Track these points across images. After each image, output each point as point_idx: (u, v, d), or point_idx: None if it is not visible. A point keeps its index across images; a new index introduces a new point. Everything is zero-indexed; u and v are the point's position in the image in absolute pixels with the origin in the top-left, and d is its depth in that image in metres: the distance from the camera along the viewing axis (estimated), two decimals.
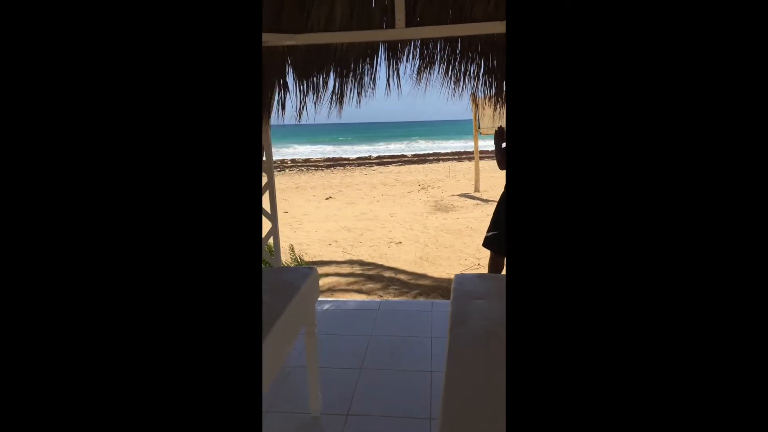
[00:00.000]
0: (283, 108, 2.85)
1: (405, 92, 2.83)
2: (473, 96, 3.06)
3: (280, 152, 22.15)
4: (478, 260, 4.97)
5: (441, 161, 17.44)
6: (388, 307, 3.09)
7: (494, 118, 3.01)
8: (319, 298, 2.49)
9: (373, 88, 2.85)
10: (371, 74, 2.80)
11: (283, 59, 2.76)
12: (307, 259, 5.06)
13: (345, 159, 18.98)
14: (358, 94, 2.84)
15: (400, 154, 21.55)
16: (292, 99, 2.85)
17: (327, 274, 4.54)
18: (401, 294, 4.03)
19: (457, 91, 2.77)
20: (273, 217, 3.02)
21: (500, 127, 2.81)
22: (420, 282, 4.35)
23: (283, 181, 12.25)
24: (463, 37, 2.64)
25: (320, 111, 2.86)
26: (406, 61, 2.75)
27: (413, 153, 21.73)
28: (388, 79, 2.78)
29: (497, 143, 2.84)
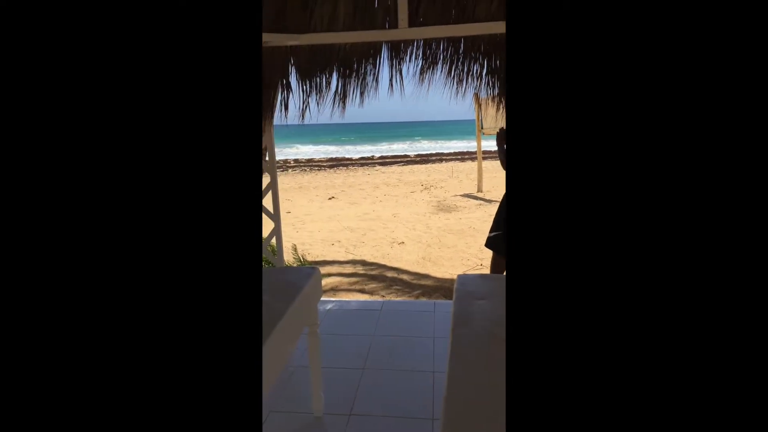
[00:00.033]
0: (286, 108, 2.86)
1: (408, 92, 2.83)
2: (476, 96, 3.06)
3: (283, 152, 22.18)
4: (481, 261, 4.97)
5: (444, 161, 17.43)
6: (391, 307, 3.09)
7: (497, 118, 3.01)
8: (322, 298, 2.50)
9: (376, 88, 2.85)
10: (374, 74, 2.81)
11: (286, 59, 2.77)
12: (309, 259, 5.07)
13: (348, 159, 18.99)
14: (361, 94, 2.84)
15: (402, 154, 21.55)
16: (295, 99, 2.85)
17: (330, 274, 4.54)
18: (404, 294, 4.03)
19: (459, 91, 2.77)
20: (276, 217, 3.02)
21: (501, 129, 2.81)
22: (422, 282, 4.35)
23: (286, 181, 12.26)
24: (465, 37, 2.64)
25: (323, 111, 2.87)
26: (409, 61, 2.75)
27: (416, 153, 21.73)
28: (390, 79, 2.79)
29: (499, 145, 2.83)
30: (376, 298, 3.89)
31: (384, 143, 29.88)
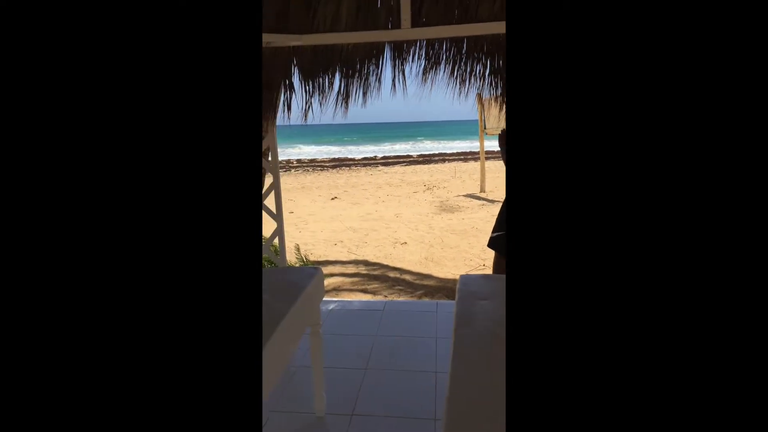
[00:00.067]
0: (289, 108, 2.87)
1: (410, 92, 2.83)
2: (479, 96, 3.06)
3: (285, 152, 22.21)
4: (484, 261, 4.96)
5: (446, 161, 17.42)
6: (393, 307, 3.09)
7: (500, 118, 3.01)
8: (324, 298, 2.50)
9: (379, 89, 2.85)
10: (377, 74, 2.81)
11: (288, 60, 2.77)
12: (312, 258, 5.07)
13: (350, 159, 19.00)
14: (364, 94, 2.84)
15: (405, 154, 21.54)
16: (297, 99, 2.86)
17: (332, 274, 4.55)
18: (406, 294, 4.03)
19: (462, 91, 2.77)
20: (278, 217, 3.03)
21: (504, 130, 2.81)
22: (425, 282, 4.35)
23: (288, 182, 12.28)
24: (468, 38, 2.64)
25: (326, 111, 2.87)
26: (412, 61, 2.75)
27: (419, 153, 21.72)
28: (393, 80, 2.78)
29: (502, 146, 2.83)
30: (379, 298, 3.89)
31: (387, 143, 29.88)
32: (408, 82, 2.79)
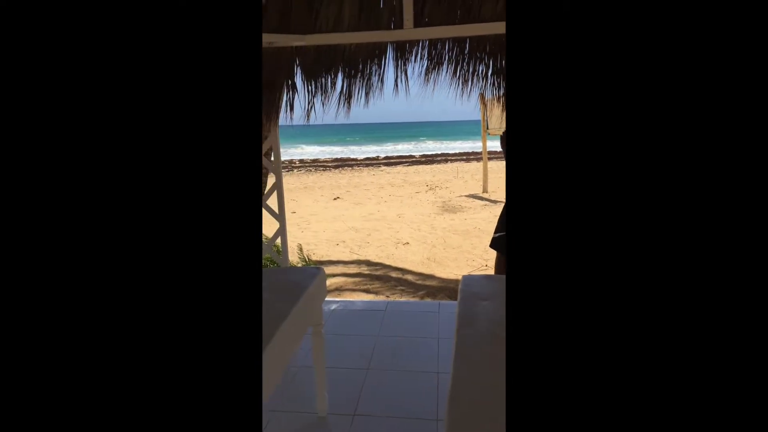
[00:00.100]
0: (292, 108, 2.87)
1: (413, 93, 2.83)
2: (481, 96, 3.06)
3: (288, 152, 22.23)
4: (486, 261, 4.96)
5: (449, 162, 17.42)
6: (395, 307, 3.09)
7: (502, 118, 3.00)
8: (327, 298, 2.50)
9: (381, 89, 2.85)
10: (379, 75, 2.81)
11: (291, 60, 2.77)
12: (314, 258, 5.08)
13: (353, 159, 19.01)
14: (366, 94, 2.84)
15: (408, 154, 21.54)
16: (300, 99, 2.86)
17: (334, 274, 4.55)
18: (408, 294, 4.03)
19: (465, 91, 2.77)
20: (281, 217, 3.03)
21: (505, 132, 2.81)
22: (427, 283, 4.35)
23: (291, 182, 12.29)
24: (471, 38, 2.64)
25: (328, 111, 2.87)
26: (414, 61, 2.75)
27: (421, 153, 21.73)
28: (396, 80, 2.78)
29: (504, 147, 2.83)
30: (381, 298, 3.89)
31: (389, 144, 29.89)
32: (410, 82, 2.79)
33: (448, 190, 10.40)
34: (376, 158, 19.38)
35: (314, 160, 19.19)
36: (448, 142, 29.31)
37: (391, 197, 9.78)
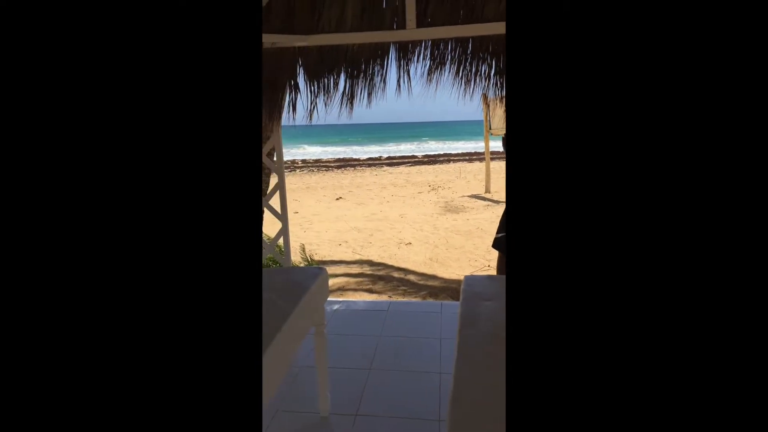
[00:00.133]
0: (294, 109, 2.87)
1: (415, 93, 2.83)
2: (484, 96, 3.05)
3: (290, 153, 22.26)
4: (488, 261, 4.95)
5: (451, 162, 17.41)
6: (398, 307, 3.08)
7: (505, 118, 2.99)
8: (329, 298, 2.50)
9: (384, 89, 2.85)
10: (382, 75, 2.81)
11: (294, 60, 2.78)
12: (317, 258, 5.08)
13: (355, 159, 19.02)
14: (369, 94, 2.84)
15: (410, 154, 21.54)
16: (303, 100, 2.86)
17: (337, 275, 4.55)
18: (410, 295, 4.03)
19: (467, 91, 2.76)
20: (283, 217, 3.03)
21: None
22: (429, 283, 4.34)
23: (293, 182, 12.30)
24: (474, 38, 2.63)
25: (331, 112, 2.87)
26: (417, 61, 2.75)
27: (423, 154, 21.72)
28: (398, 80, 2.78)
29: (506, 147, 2.82)
30: (383, 298, 3.89)
31: (391, 144, 29.89)
32: (413, 82, 2.79)
33: (450, 191, 10.39)
34: (379, 158, 19.38)
35: (317, 161, 19.21)
36: (450, 142, 29.29)
37: (393, 197, 9.78)
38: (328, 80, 2.83)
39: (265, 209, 3.00)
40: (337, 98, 2.85)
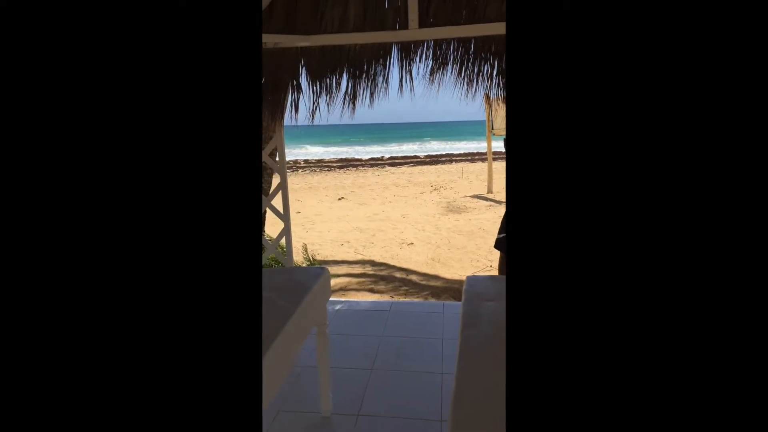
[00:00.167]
0: (297, 109, 2.87)
1: (418, 93, 2.83)
2: (486, 96, 3.05)
3: (293, 153, 22.28)
4: (491, 262, 4.95)
5: (454, 162, 17.39)
6: (400, 308, 3.08)
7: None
8: (331, 298, 2.50)
9: (386, 89, 2.85)
10: (384, 75, 2.81)
11: (296, 60, 2.78)
12: (319, 258, 5.09)
13: (357, 160, 19.02)
14: (371, 94, 2.84)
15: (412, 155, 21.52)
16: (305, 100, 2.86)
17: (339, 275, 4.55)
18: (413, 295, 4.03)
19: (470, 91, 2.76)
20: (286, 217, 3.03)
21: None
22: (431, 283, 4.34)
23: (295, 182, 12.31)
24: (476, 38, 2.63)
25: (333, 112, 2.87)
26: (419, 61, 2.74)
27: (426, 154, 21.70)
28: (400, 80, 2.78)
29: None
30: (385, 298, 3.89)
31: (394, 144, 29.88)
32: (415, 82, 2.78)
33: (452, 191, 10.38)
34: (381, 158, 19.38)
35: (319, 161, 19.22)
36: (452, 142, 29.27)
37: (395, 197, 9.78)
38: (330, 80, 2.83)
39: (268, 209, 3.01)
40: (339, 98, 2.85)
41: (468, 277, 1.84)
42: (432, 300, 3.83)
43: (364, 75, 2.81)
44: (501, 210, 7.62)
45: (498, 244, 2.90)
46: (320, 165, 17.69)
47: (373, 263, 5.05)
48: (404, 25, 2.46)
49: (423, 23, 2.44)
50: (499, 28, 2.39)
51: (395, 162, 17.91)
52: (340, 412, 1.97)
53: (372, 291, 4.11)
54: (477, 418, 1.03)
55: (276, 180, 3.08)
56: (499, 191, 9.69)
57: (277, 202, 3.02)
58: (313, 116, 2.89)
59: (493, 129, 9.19)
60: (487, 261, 5.03)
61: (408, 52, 2.73)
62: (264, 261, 3.07)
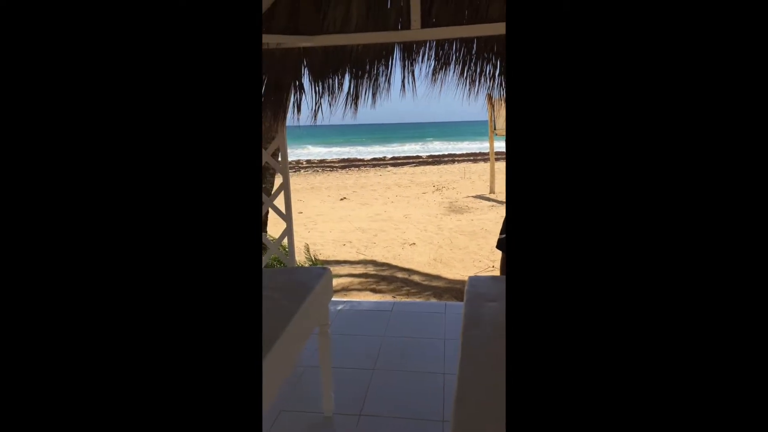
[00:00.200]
0: (299, 109, 2.87)
1: (420, 93, 2.82)
2: (489, 97, 3.04)
3: (295, 153, 22.30)
4: (492, 262, 4.94)
5: (456, 162, 17.39)
6: (402, 308, 3.09)
7: None
8: (333, 299, 2.50)
9: (388, 89, 2.85)
10: (386, 75, 2.81)
11: (299, 61, 2.78)
12: (321, 258, 5.09)
13: (360, 160, 19.03)
14: (373, 95, 2.84)
15: (414, 155, 21.51)
16: (307, 100, 2.87)
17: (341, 275, 4.56)
18: (415, 295, 4.03)
19: (472, 91, 2.76)
20: (288, 218, 3.04)
21: None
22: (433, 283, 4.34)
23: (298, 182, 12.32)
24: (478, 38, 2.63)
25: (335, 112, 2.88)
26: (422, 62, 2.74)
27: (428, 154, 21.70)
28: (403, 80, 2.78)
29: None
30: (387, 298, 3.89)
31: (396, 144, 29.88)
32: (417, 82, 2.78)
33: (455, 191, 10.38)
34: (383, 159, 19.38)
35: (321, 161, 19.23)
36: (455, 142, 29.25)
37: (397, 198, 9.78)
38: (332, 80, 2.83)
39: (270, 209, 3.01)
40: (341, 98, 2.85)
41: (470, 278, 1.84)
42: (434, 300, 3.83)
43: (366, 75, 2.81)
44: (503, 210, 7.61)
45: (500, 245, 2.90)
46: (322, 165, 17.71)
47: (375, 263, 5.05)
48: (406, 26, 2.46)
49: (425, 23, 2.44)
50: (501, 29, 2.39)
51: (397, 162, 17.91)
52: (342, 412, 1.97)
53: (374, 291, 4.11)
54: (479, 418, 1.03)
55: (278, 180, 3.08)
56: (502, 191, 9.68)
57: (279, 202, 3.02)
58: (315, 116, 2.89)
59: (495, 129, 9.18)
60: (489, 261, 5.02)
61: (410, 53, 2.73)
62: (266, 261, 3.07)
